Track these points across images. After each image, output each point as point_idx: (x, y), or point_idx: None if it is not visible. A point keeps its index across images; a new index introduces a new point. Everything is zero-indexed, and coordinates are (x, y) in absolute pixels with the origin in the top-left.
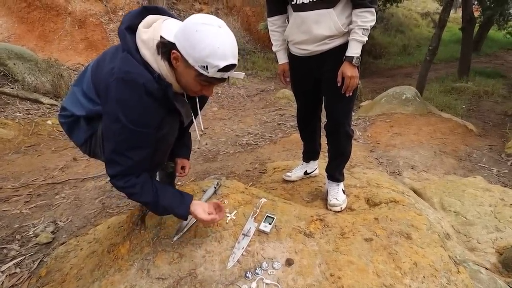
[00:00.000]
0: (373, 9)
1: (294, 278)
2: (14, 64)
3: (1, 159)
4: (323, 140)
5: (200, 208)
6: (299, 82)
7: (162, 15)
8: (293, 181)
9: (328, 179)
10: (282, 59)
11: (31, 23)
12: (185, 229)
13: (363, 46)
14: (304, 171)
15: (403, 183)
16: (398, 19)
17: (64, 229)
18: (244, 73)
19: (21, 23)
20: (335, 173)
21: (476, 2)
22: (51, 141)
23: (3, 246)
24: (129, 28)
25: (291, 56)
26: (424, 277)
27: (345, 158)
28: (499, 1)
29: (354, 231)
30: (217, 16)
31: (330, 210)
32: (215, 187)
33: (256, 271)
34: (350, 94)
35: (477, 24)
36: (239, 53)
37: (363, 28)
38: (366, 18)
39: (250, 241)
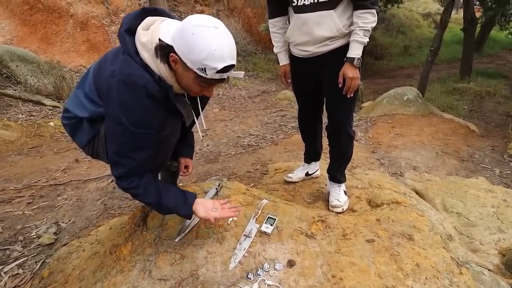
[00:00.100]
0: (374, 10)
1: (296, 279)
2: (17, 66)
3: (3, 160)
4: (325, 141)
5: (202, 207)
6: (300, 83)
7: (161, 16)
8: (295, 182)
9: (330, 180)
10: (283, 60)
11: (34, 25)
12: (187, 230)
13: (364, 47)
14: (306, 172)
15: (405, 184)
16: (399, 20)
17: (67, 230)
18: (243, 72)
19: (24, 26)
20: (336, 174)
21: (477, 3)
22: (53, 143)
23: (5, 247)
24: (129, 30)
25: (292, 57)
26: (426, 278)
27: (346, 159)
28: (500, 1)
29: (356, 232)
30: (218, 18)
31: (332, 211)
32: (216, 188)
33: (258, 272)
34: (351, 95)
35: (478, 25)
36: (240, 55)
37: (364, 29)
38: (367, 19)
39: (251, 242)
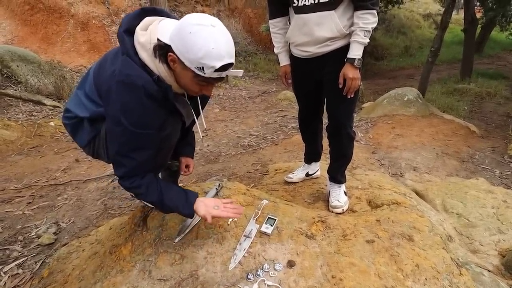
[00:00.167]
0: (374, 11)
1: (296, 280)
2: (17, 66)
3: (4, 160)
4: (325, 142)
5: (203, 206)
6: (301, 84)
7: (161, 16)
8: (295, 182)
9: (330, 180)
10: (284, 61)
11: (34, 25)
12: (187, 230)
13: (365, 48)
14: (306, 172)
15: (405, 184)
16: (400, 21)
17: (66, 230)
18: (242, 70)
19: (24, 26)
20: (336, 175)
21: (478, 3)
22: (54, 143)
23: (5, 247)
24: (128, 30)
25: (292, 58)
26: (426, 279)
27: (347, 159)
28: (501, 2)
29: (356, 232)
30: (219, 18)
31: (332, 211)
32: (216, 189)
33: (258, 273)
34: (352, 95)
35: (479, 26)
36: (240, 55)
37: (365, 30)
38: (368, 20)
39: (251, 242)
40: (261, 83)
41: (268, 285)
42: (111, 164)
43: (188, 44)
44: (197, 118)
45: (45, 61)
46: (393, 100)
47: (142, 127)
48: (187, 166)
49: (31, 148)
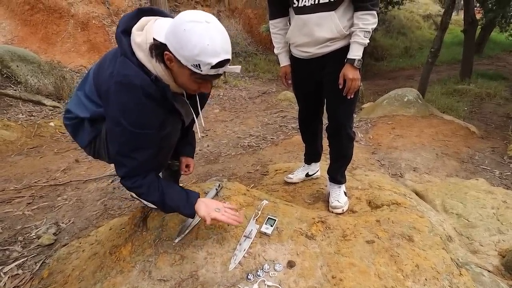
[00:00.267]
0: (374, 12)
1: (296, 280)
2: (17, 66)
3: (3, 160)
4: (325, 142)
5: (203, 206)
6: (301, 84)
7: (158, 16)
8: (295, 183)
9: (330, 181)
10: (284, 61)
11: (34, 25)
12: (187, 231)
13: (365, 49)
14: (306, 173)
15: (405, 185)
16: (400, 22)
17: (66, 231)
18: (240, 66)
19: (24, 26)
20: (336, 175)
21: (478, 4)
22: (54, 143)
23: (5, 248)
24: (125, 31)
25: (292, 58)
26: (426, 279)
27: (346, 160)
28: (501, 3)
29: (356, 233)
30: (219, 19)
31: (332, 212)
32: (216, 189)
33: (258, 273)
34: (352, 96)
35: (479, 27)
36: (240, 55)
37: (365, 31)
38: (368, 20)
39: (251, 243)
40: (261, 83)
41: (268, 286)
42: (111, 165)
43: (183, 42)
44: (196, 118)
45: (45, 61)
46: (393, 100)
47: (141, 127)
48: (187, 166)
49: (31, 148)
